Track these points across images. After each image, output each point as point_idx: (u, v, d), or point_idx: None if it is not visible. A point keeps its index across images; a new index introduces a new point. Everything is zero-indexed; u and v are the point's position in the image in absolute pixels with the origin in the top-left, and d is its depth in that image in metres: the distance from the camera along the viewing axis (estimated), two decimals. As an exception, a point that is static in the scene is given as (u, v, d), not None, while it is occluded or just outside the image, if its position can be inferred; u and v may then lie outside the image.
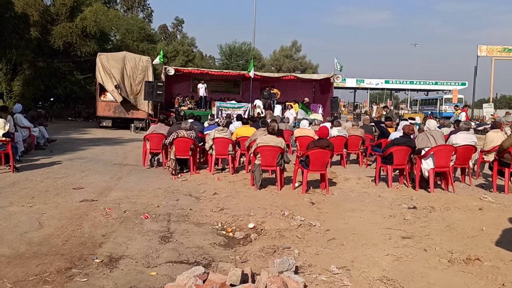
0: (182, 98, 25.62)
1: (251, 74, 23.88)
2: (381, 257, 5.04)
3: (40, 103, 26.87)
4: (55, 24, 28.82)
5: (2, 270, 4.36)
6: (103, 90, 22.96)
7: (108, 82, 22.49)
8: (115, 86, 22.29)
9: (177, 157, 9.86)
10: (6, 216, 6.31)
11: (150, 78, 22.87)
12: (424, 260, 4.96)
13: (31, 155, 12.29)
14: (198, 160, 11.05)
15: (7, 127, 9.95)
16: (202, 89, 25.36)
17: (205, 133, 11.36)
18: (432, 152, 8.85)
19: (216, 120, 12.33)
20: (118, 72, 22.64)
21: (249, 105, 23.42)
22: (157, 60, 23.91)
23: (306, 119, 14.06)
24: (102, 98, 22.96)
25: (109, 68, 22.64)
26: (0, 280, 4.13)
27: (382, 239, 5.71)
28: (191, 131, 10.05)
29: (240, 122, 12.23)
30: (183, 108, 24.09)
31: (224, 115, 20.17)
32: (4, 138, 9.78)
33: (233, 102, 24.52)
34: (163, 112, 20.37)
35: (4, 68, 27.86)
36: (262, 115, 19.67)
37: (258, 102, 23.98)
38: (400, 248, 5.35)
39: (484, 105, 46.98)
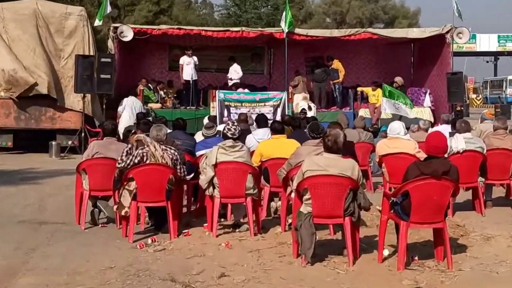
0: (150, 85, 15.04)
1: (285, 30, 14.46)
2: None
3: None
4: None
5: None
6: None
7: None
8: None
9: (144, 204, 6.12)
10: None
11: (88, 51, 13.31)
12: None
13: None
14: (187, 209, 7.16)
15: None
16: (189, 66, 14.15)
17: (198, 154, 7.24)
18: None
19: (219, 127, 8.10)
20: (24, 40, 12.98)
21: (284, 94, 13.91)
22: (97, 21, 14.80)
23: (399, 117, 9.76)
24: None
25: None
26: None
27: None
28: (169, 148, 6.23)
29: (266, 130, 8.05)
30: (152, 105, 14.13)
31: (233, 116, 12.41)
32: None
33: (247, 91, 14.53)
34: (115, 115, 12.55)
35: None
36: (308, 114, 11.99)
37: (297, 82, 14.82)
38: None
39: None
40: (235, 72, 14.92)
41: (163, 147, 5.90)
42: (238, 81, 14.87)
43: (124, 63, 14.70)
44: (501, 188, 8.08)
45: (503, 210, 7.71)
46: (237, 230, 6.56)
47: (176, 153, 5.96)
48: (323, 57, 15.51)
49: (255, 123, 9.24)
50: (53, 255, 5.34)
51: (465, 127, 7.46)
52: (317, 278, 4.58)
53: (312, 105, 13.69)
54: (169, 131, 7.40)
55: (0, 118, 12.76)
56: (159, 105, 14.51)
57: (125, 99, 12.61)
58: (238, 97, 13.91)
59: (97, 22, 14.85)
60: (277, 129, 7.39)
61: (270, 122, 8.60)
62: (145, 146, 5.83)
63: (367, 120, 11.87)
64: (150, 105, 13.93)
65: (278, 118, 12.10)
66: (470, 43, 31.45)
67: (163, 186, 6.03)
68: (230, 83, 14.72)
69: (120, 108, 12.40)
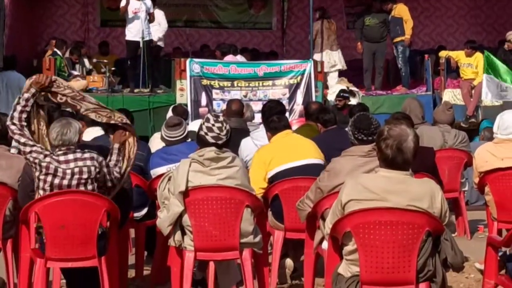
0: (58, 52, 9.20)
1: None
2: None
3: None
4: None
5: None
6: None
7: None
8: None
9: (59, 265, 4.08)
10: None
11: None
12: None
13: None
14: (137, 271, 4.97)
15: None
16: (138, 16, 8.54)
17: (154, 172, 4.90)
18: None
19: (192, 126, 5.38)
20: None
21: (308, 65, 8.53)
22: None
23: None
24: None
25: None
26: None
27: None
28: (83, 156, 3.75)
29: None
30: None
31: (218, 106, 8.44)
32: None
33: (241, 60, 9.34)
34: None
35: None
36: (350, 101, 8.34)
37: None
38: None
39: None
40: (159, 25, 9.05)
41: (74, 155, 3.60)
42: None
43: (20, 12, 9.71)
44: None
45: None
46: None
47: (99, 162, 3.67)
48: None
49: (257, 117, 6.41)
50: None
51: None
52: None
53: (353, 89, 8.77)
54: (98, 133, 4.94)
55: None
56: (83, 83, 8.76)
57: None
58: (227, 70, 8.59)
59: None
60: (276, 127, 4.87)
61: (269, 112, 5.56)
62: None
63: (457, 110, 7.89)
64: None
65: (298, 107, 8.05)
66: None
67: (93, 231, 3.95)
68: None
69: None
